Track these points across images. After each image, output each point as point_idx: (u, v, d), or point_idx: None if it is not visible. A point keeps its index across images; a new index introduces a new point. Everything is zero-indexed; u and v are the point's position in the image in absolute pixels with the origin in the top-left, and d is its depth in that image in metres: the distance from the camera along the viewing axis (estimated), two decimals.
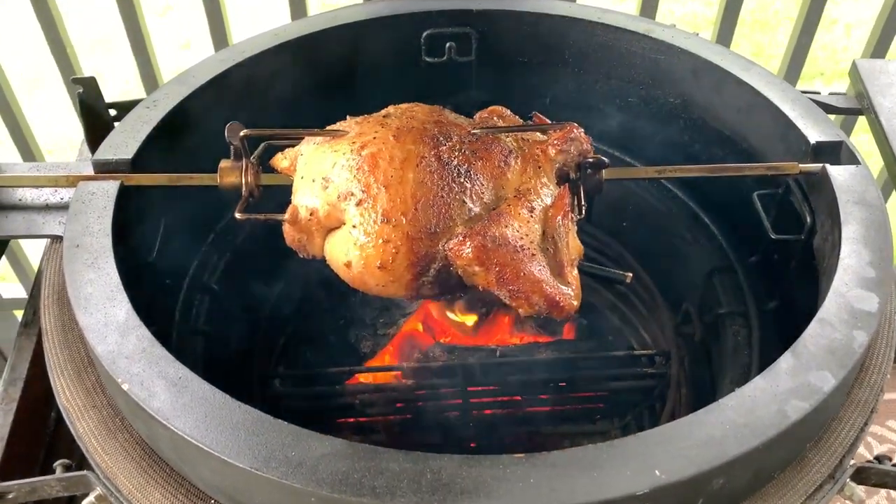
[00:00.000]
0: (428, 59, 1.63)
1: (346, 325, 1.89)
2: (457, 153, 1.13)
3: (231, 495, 0.96)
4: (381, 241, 1.08)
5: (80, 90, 1.44)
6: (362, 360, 1.81)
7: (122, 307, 1.06)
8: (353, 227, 1.09)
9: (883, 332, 1.18)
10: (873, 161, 1.58)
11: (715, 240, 1.64)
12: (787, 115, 1.37)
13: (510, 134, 1.20)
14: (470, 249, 1.07)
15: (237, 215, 1.19)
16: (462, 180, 1.11)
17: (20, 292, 2.63)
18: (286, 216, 1.16)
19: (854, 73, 1.60)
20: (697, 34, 1.57)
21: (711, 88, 1.52)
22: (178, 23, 4.23)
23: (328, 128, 1.21)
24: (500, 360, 1.69)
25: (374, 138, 1.13)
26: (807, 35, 2.09)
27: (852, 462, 1.05)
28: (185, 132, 1.40)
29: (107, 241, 1.15)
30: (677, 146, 1.63)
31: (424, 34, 1.61)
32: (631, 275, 1.26)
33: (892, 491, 1.67)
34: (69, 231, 1.17)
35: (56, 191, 1.33)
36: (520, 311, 1.09)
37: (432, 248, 1.08)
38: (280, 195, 1.22)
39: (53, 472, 1.06)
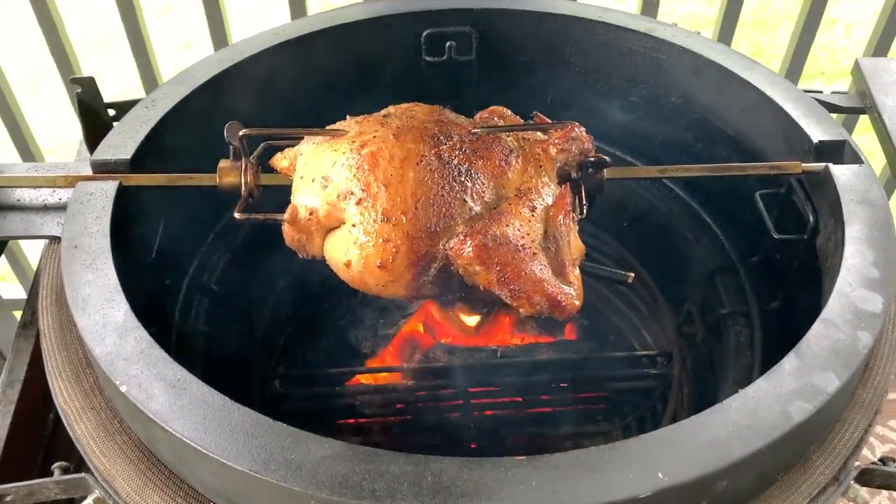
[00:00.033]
0: (428, 59, 1.62)
1: (347, 325, 1.88)
2: (457, 152, 1.12)
3: (230, 498, 0.96)
4: (381, 240, 1.07)
5: (79, 90, 1.43)
6: (362, 360, 1.81)
7: (120, 308, 1.05)
8: (353, 226, 1.09)
9: (887, 332, 1.17)
10: (875, 160, 1.57)
11: (717, 239, 1.63)
12: (790, 115, 1.36)
13: (511, 133, 1.20)
14: (471, 248, 1.06)
15: (236, 215, 1.19)
16: (463, 179, 1.10)
17: (20, 293, 2.63)
18: (285, 216, 1.15)
19: (857, 71, 1.59)
20: (699, 33, 1.57)
21: (714, 88, 1.51)
22: (178, 23, 4.22)
23: (328, 127, 1.21)
24: (500, 361, 1.68)
25: (374, 137, 1.13)
26: (808, 34, 2.08)
27: (856, 464, 1.05)
28: (183, 132, 1.40)
29: (105, 242, 1.14)
30: (679, 145, 1.62)
31: (424, 33, 1.60)
32: (633, 275, 1.26)
33: (894, 492, 1.66)
34: (67, 232, 1.16)
35: (54, 191, 1.32)
36: (521, 311, 1.09)
37: (433, 247, 1.08)
38: (280, 195, 1.22)
39: (51, 474, 1.05)
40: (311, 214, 1.13)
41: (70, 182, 1.25)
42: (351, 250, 1.09)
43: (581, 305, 1.10)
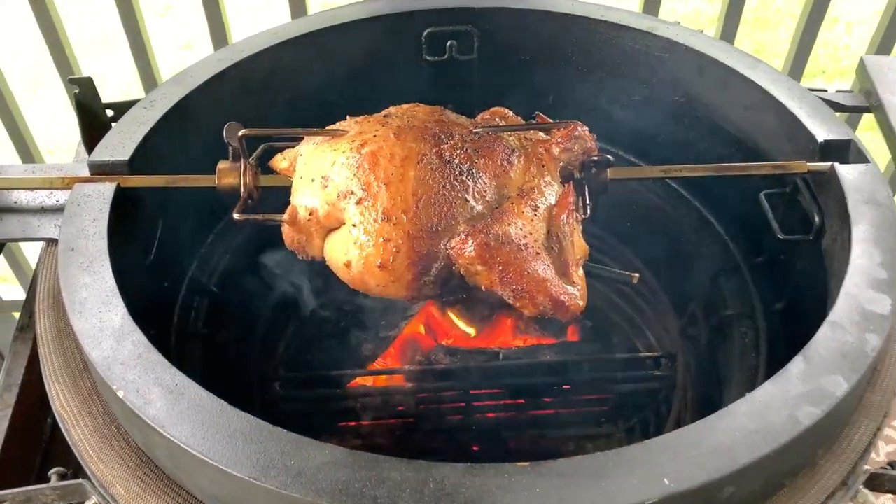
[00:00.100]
0: (429, 58, 1.61)
1: (347, 327, 1.87)
2: (459, 151, 1.11)
3: None
4: (381, 239, 1.05)
5: (77, 90, 1.42)
6: (363, 363, 1.79)
7: (117, 312, 1.04)
8: (353, 226, 1.07)
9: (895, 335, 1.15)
10: (878, 160, 1.56)
11: (721, 240, 1.61)
12: (795, 113, 1.35)
13: (513, 133, 1.18)
14: (472, 248, 1.05)
15: (235, 216, 1.18)
16: (464, 178, 1.09)
17: (20, 294, 2.61)
18: (285, 217, 1.14)
19: (861, 69, 1.58)
20: (702, 31, 1.55)
21: (717, 86, 1.50)
22: (178, 23, 4.21)
23: (328, 127, 1.20)
24: (503, 363, 1.67)
25: (375, 136, 1.12)
26: (810, 33, 2.07)
27: (865, 467, 1.03)
28: (182, 133, 1.39)
29: (102, 245, 1.13)
30: (682, 145, 1.61)
31: (425, 32, 1.59)
32: (637, 275, 1.24)
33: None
34: (64, 234, 1.15)
35: (52, 193, 1.31)
36: (524, 311, 1.07)
37: (434, 246, 1.06)
38: (279, 197, 1.20)
39: (49, 480, 1.04)
40: (310, 215, 1.11)
41: (67, 183, 1.24)
42: (351, 250, 1.08)
43: (585, 306, 1.09)
